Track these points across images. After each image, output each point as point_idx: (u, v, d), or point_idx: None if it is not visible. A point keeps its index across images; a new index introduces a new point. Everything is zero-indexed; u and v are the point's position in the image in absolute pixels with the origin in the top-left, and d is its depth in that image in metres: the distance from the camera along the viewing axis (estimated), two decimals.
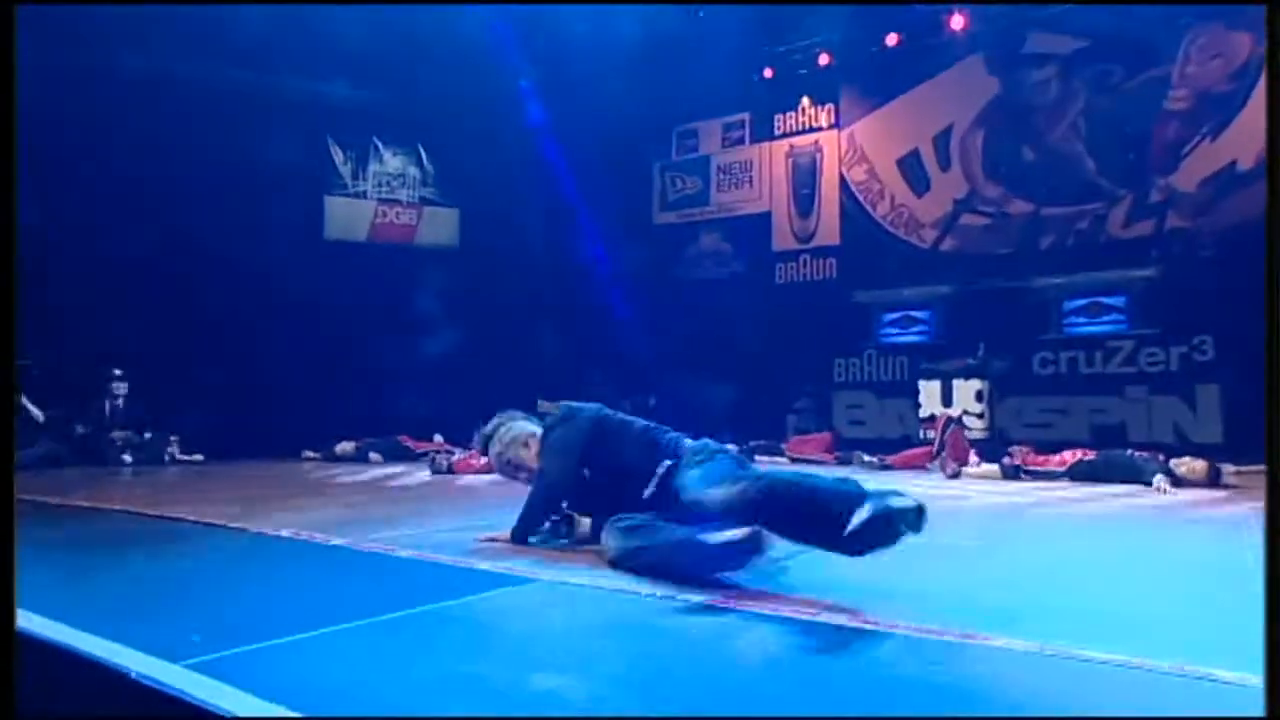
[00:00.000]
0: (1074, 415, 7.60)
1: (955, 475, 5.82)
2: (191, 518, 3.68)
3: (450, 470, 6.67)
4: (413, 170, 10.88)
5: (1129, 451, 5.40)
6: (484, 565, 2.74)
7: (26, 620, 1.82)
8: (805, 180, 10.56)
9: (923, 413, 6.77)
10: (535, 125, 10.93)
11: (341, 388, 9.23)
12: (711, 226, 11.21)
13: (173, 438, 7.19)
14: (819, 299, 10.05)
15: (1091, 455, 5.42)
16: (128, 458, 6.85)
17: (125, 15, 7.43)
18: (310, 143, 10.05)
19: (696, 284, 11.16)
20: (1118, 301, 7.70)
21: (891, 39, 9.66)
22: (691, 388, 10.21)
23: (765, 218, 10.76)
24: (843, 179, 10.27)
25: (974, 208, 9.46)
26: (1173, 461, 5.03)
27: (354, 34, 9.30)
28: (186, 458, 7.21)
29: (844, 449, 7.33)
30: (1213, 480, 4.88)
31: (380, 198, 10.69)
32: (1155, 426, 7.29)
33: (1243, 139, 8.11)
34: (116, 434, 7.02)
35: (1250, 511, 4.00)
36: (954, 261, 9.37)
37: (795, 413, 9.12)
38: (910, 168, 9.86)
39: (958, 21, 9.33)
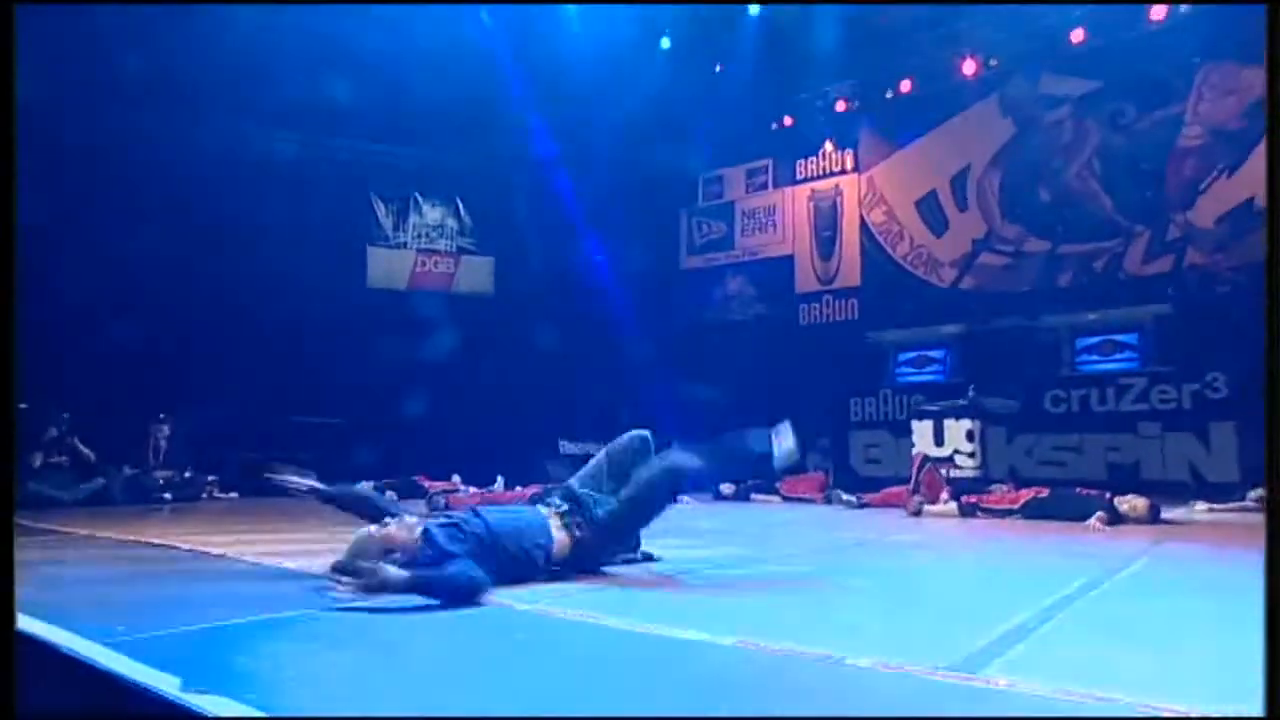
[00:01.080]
0: (1088, 453, 7.65)
1: (917, 514, 5.99)
2: (176, 544, 4.22)
3: (447, 507, 7.00)
4: (451, 222, 11.59)
5: (1077, 489, 5.60)
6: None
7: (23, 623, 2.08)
8: (827, 223, 10.89)
9: (915, 452, 6.83)
10: (566, 177, 11.54)
11: (380, 430, 9.81)
12: (737, 270, 11.60)
13: (210, 478, 7.84)
14: (841, 339, 10.28)
15: (1044, 494, 5.61)
16: (168, 495, 7.38)
17: (174, 75, 8.27)
18: (354, 197, 10.83)
19: (723, 327, 11.52)
20: (1130, 339, 7.77)
21: (905, 85, 10.00)
22: (714, 429, 10.46)
23: (788, 260, 11.14)
24: (863, 221, 10.59)
25: (992, 247, 9.65)
26: (1116, 499, 5.20)
27: (397, 95, 10.12)
28: (223, 495, 7.82)
29: (838, 488, 7.50)
30: (1153, 518, 5.03)
31: (420, 248, 11.41)
32: (1170, 464, 7.30)
33: (1259, 175, 8.15)
34: (159, 474, 7.69)
35: (1129, 543, 4.27)
36: (972, 300, 9.53)
37: (816, 452, 9.29)
38: (929, 209, 10.12)
39: (969, 67, 9.64)
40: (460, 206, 11.64)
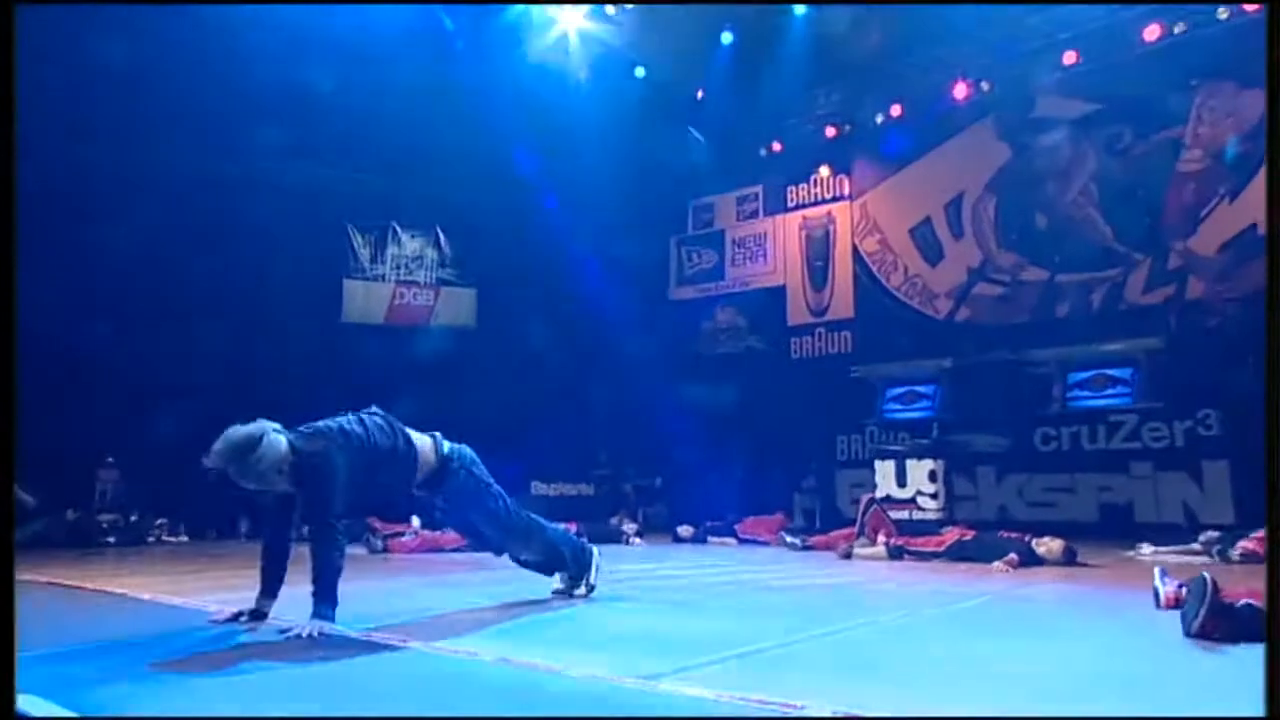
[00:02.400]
0: (1080, 494, 7.74)
1: (846, 556, 6.24)
2: (78, 584, 4.68)
3: (385, 550, 7.26)
4: (431, 252, 11.91)
5: (999, 533, 5.85)
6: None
7: None
8: (819, 252, 11.08)
9: (879, 493, 6.96)
10: (552, 204, 11.86)
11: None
12: (727, 301, 11.78)
13: (160, 521, 8.07)
14: (832, 374, 10.41)
15: (968, 536, 5.85)
16: (111, 539, 7.57)
17: (140, 102, 8.65)
18: (330, 228, 11.18)
19: (713, 360, 11.67)
20: (1124, 373, 7.88)
21: (896, 109, 10.23)
22: (700, 468, 10.67)
23: (780, 291, 11.30)
24: (856, 250, 10.75)
25: (988, 276, 9.79)
26: (1034, 541, 5.45)
27: (374, 121, 10.52)
28: (172, 539, 8.07)
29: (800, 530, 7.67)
30: (1068, 559, 5.29)
31: (399, 280, 11.73)
32: (1163, 505, 7.37)
33: (1261, 200, 8.28)
34: (104, 517, 7.89)
35: (998, 583, 4.75)
36: (968, 332, 9.64)
37: (801, 492, 9.42)
38: (923, 237, 10.28)
39: (961, 90, 9.86)
40: (441, 236, 11.97)
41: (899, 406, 8.91)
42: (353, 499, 3.53)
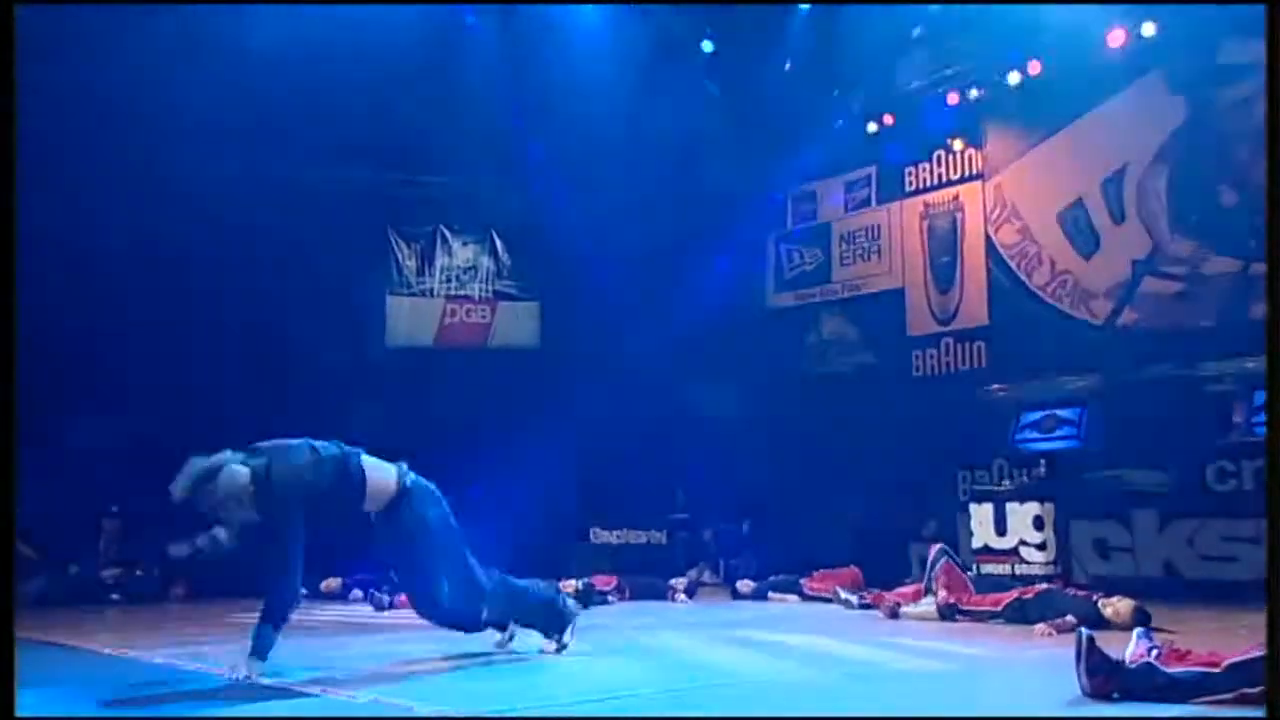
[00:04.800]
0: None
1: (893, 615, 6.34)
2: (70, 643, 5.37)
3: (391, 606, 7.25)
4: (486, 261, 11.81)
5: (1068, 590, 5.82)
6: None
7: None
8: (944, 246, 10.38)
9: (975, 543, 6.84)
10: (625, 203, 11.55)
11: None
12: (835, 308, 11.21)
13: (176, 579, 8.20)
14: (964, 395, 9.72)
15: (1029, 594, 5.82)
16: (116, 596, 7.90)
17: (150, 104, 8.85)
18: (369, 237, 11.21)
19: (817, 380, 11.13)
20: None
21: (1034, 66, 9.45)
22: (798, 511, 10.15)
23: (897, 295, 10.66)
24: (989, 242, 10.01)
25: (1159, 270, 8.91)
26: (1101, 601, 5.42)
27: (417, 114, 10.50)
28: (181, 594, 8.19)
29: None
30: (1139, 623, 5.02)
31: (449, 294, 11.68)
32: None
33: None
34: (108, 572, 8.12)
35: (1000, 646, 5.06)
36: (1131, 341, 8.79)
37: (921, 540, 8.77)
38: (1074, 223, 9.48)
39: (1117, 37, 8.97)
40: (497, 243, 11.86)
41: (1035, 435, 8.21)
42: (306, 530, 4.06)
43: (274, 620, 3.94)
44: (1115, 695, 3.20)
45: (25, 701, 3.09)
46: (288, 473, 3.97)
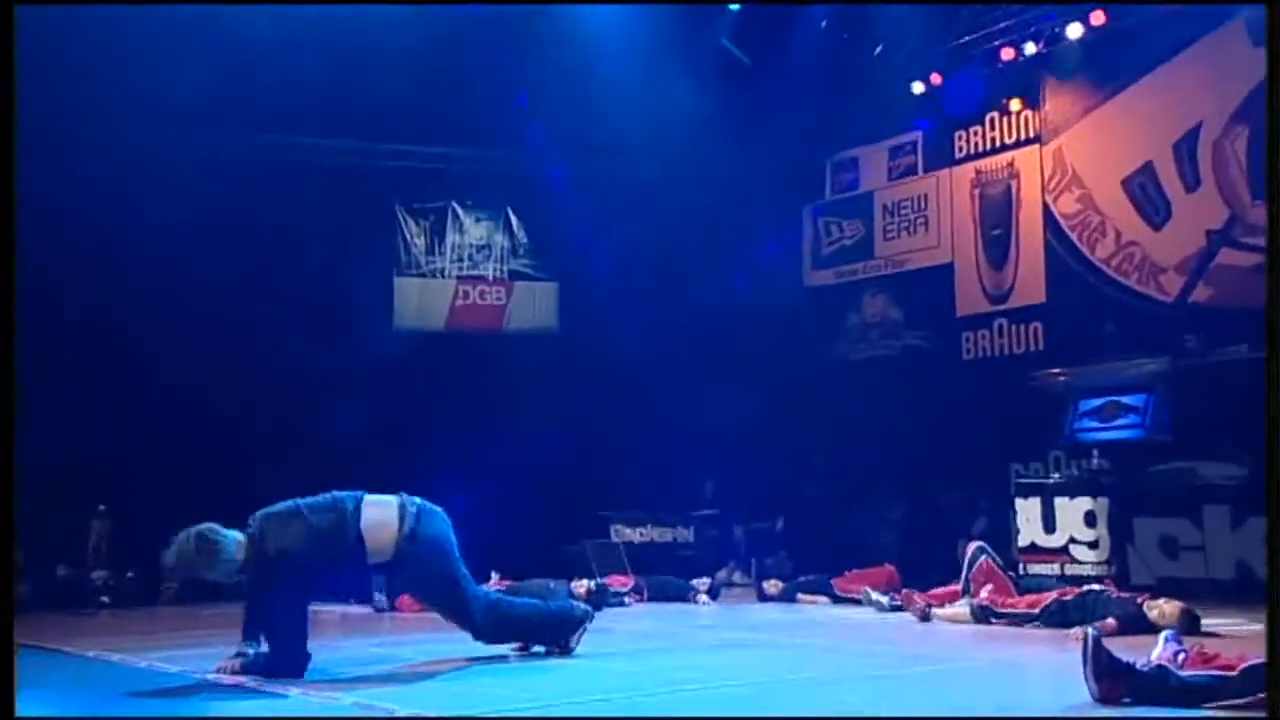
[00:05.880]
0: None
1: (924, 618, 6.40)
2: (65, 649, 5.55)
3: (392, 608, 7.26)
4: (500, 239, 11.69)
5: (1111, 592, 5.77)
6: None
7: None
8: (998, 217, 10.20)
9: (1021, 540, 6.79)
10: (649, 174, 11.37)
11: None
12: (877, 286, 11.05)
13: (167, 583, 8.21)
14: (1016, 380, 9.47)
15: (1069, 595, 5.82)
16: (105, 599, 7.87)
17: (146, 81, 8.80)
18: (375, 213, 11.12)
19: (859, 364, 11.00)
20: None
21: (1097, 16, 9.15)
22: (836, 507, 9.98)
23: (946, 271, 10.49)
24: (1048, 211, 9.82)
25: (1236, 240, 8.67)
26: (1147, 604, 5.43)
27: (423, 82, 10.37)
28: (172, 594, 8.19)
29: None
30: (1188, 627, 5.19)
31: (461, 274, 11.57)
32: None
33: None
34: (96, 574, 8.14)
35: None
36: (1205, 319, 8.51)
37: (970, 538, 8.58)
38: (1142, 190, 9.26)
39: None
40: (512, 219, 11.74)
41: (1095, 424, 7.97)
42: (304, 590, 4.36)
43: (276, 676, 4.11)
44: (1126, 700, 3.17)
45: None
46: (280, 549, 4.15)
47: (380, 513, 4.36)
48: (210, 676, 4.18)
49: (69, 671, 4.81)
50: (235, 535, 4.14)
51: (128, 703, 3.85)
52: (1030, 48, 9.71)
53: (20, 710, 3.40)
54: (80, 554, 8.42)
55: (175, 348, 9.23)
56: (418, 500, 4.51)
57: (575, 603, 5.68)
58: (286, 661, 4.14)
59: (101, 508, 8.58)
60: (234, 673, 4.22)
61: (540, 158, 11.35)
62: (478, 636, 4.68)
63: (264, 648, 4.32)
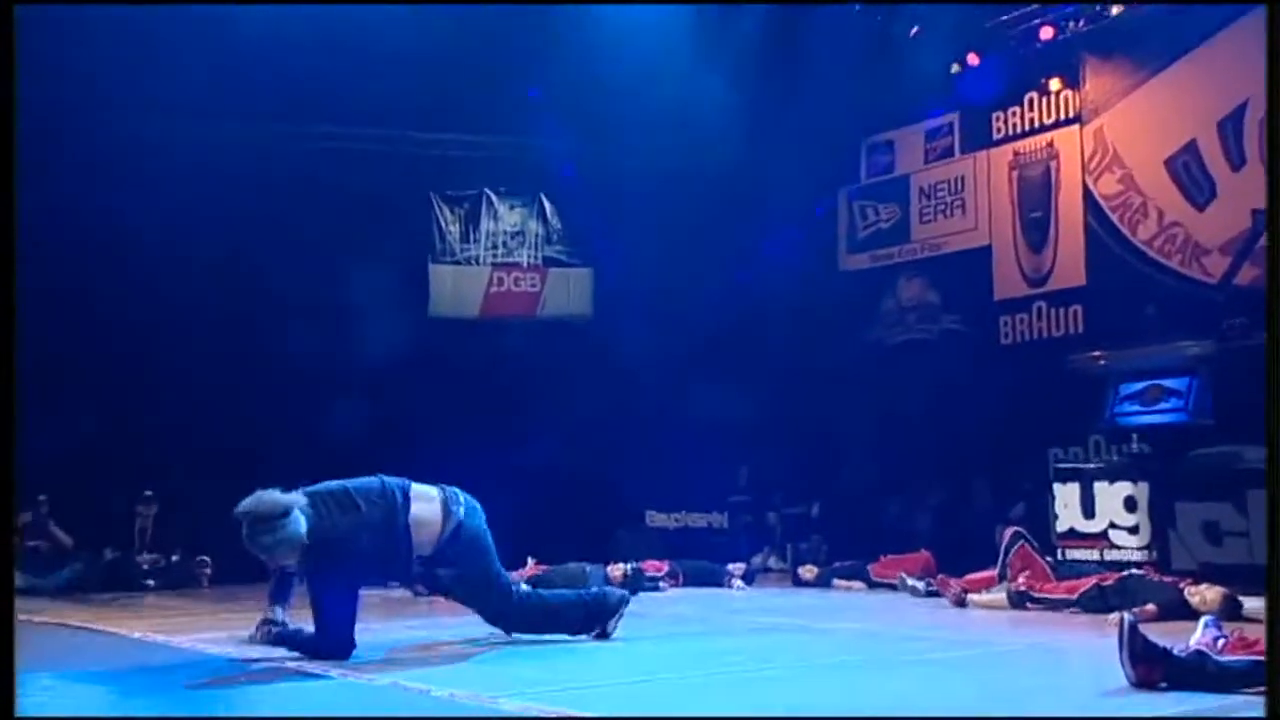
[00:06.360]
0: None
1: (960, 604, 6.43)
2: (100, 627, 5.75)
3: (431, 593, 7.18)
4: (534, 225, 11.71)
5: (1151, 577, 5.77)
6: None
7: None
8: (1037, 198, 10.03)
9: (1060, 526, 6.74)
10: (680, 159, 11.30)
11: None
12: (913, 270, 10.92)
13: (203, 558, 8.36)
14: (1056, 364, 9.34)
15: (1110, 580, 5.82)
16: (151, 582, 8.06)
17: (176, 69, 8.90)
18: (410, 201, 11.17)
19: (895, 349, 10.89)
20: None
21: None
22: (872, 491, 9.92)
23: (984, 254, 10.34)
24: (1088, 192, 9.64)
25: None
26: (1189, 589, 5.44)
27: (456, 71, 10.39)
28: (209, 576, 8.35)
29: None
30: (1230, 613, 5.16)
31: (496, 261, 11.60)
32: None
33: None
34: (143, 558, 8.36)
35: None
36: (1250, 301, 8.30)
37: (1009, 523, 8.51)
38: (1185, 170, 9.06)
39: None
40: (546, 205, 11.76)
41: (1137, 408, 7.81)
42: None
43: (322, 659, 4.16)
44: (1162, 685, 3.16)
45: (57, 687, 3.71)
46: (334, 539, 4.18)
47: (426, 508, 4.41)
48: (244, 645, 4.44)
49: (119, 652, 4.93)
50: (303, 522, 4.10)
51: (174, 682, 3.95)
52: (1071, 26, 9.55)
53: (75, 691, 3.71)
54: (128, 538, 8.60)
55: (218, 335, 9.39)
56: (461, 496, 4.56)
57: (610, 589, 5.73)
58: (334, 646, 4.18)
59: (148, 493, 8.78)
60: (264, 642, 4.35)
61: (574, 145, 11.34)
62: (510, 630, 4.79)
63: (285, 617, 4.47)
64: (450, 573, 4.57)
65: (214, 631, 5.30)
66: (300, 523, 4.05)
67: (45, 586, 7.77)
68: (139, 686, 3.93)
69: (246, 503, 4.03)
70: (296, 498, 4.09)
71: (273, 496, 4.04)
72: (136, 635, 5.41)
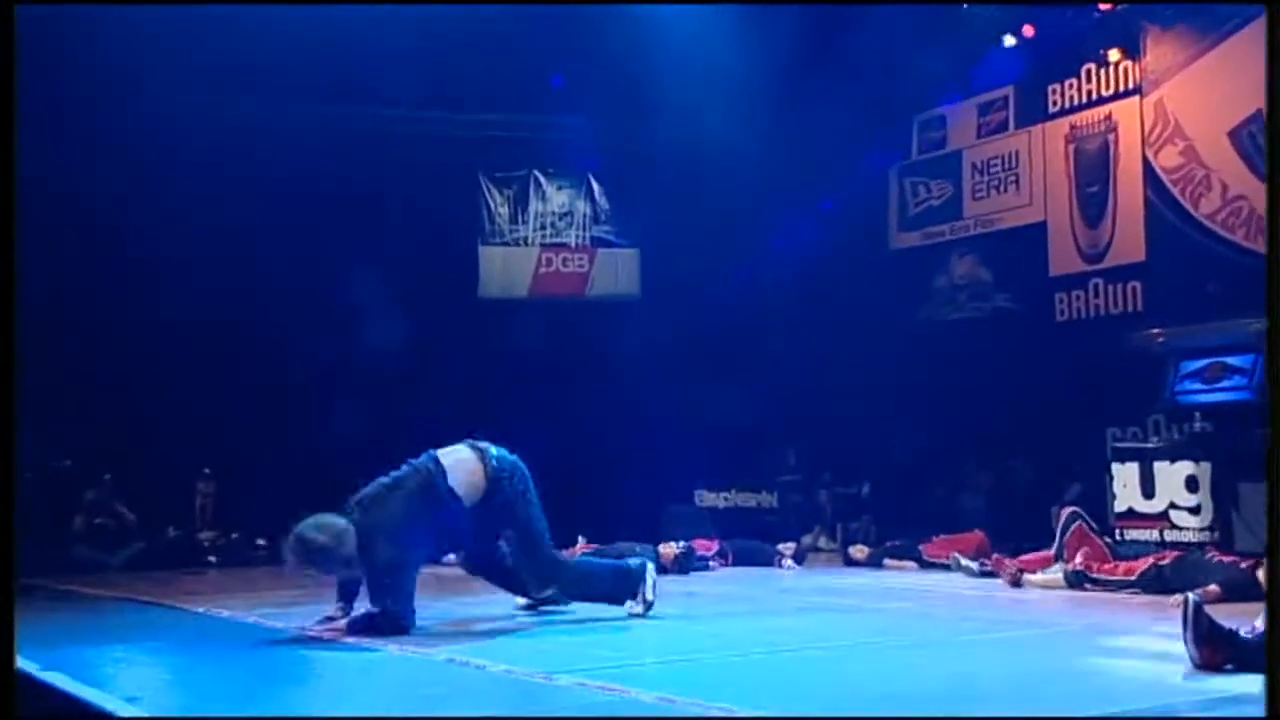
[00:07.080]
0: None
1: (1016, 584, 6.37)
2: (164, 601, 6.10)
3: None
4: (582, 205, 11.72)
5: (1214, 557, 5.69)
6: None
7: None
8: (1094, 173, 9.80)
9: (1118, 506, 6.64)
10: (728, 137, 11.21)
11: None
12: (966, 247, 10.75)
13: (260, 541, 8.52)
14: (1114, 342, 9.16)
15: (1166, 560, 5.81)
16: (212, 559, 8.31)
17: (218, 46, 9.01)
18: (459, 182, 11.23)
19: (947, 327, 10.74)
20: None
21: None
22: (924, 471, 9.83)
23: (1039, 230, 10.17)
24: (1148, 166, 9.40)
25: None
26: (1256, 567, 5.30)
27: (505, 51, 10.41)
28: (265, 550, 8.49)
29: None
30: None
31: (544, 242, 11.64)
32: None
33: None
34: (203, 535, 8.59)
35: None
36: None
37: (1064, 504, 8.38)
38: (1250, 141, 8.74)
39: None
40: (594, 186, 11.75)
41: (1199, 386, 7.60)
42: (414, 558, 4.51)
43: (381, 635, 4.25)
44: (1228, 667, 3.13)
45: (123, 655, 3.97)
46: (381, 520, 4.30)
47: (458, 456, 4.59)
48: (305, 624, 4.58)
49: (184, 625, 5.22)
50: (351, 532, 4.23)
51: (239, 654, 4.19)
52: None
53: (142, 663, 3.94)
54: (189, 516, 8.80)
55: (271, 317, 9.50)
56: (483, 441, 4.72)
57: (629, 559, 5.64)
58: (393, 622, 4.28)
59: (206, 471, 8.94)
60: (327, 634, 4.43)
61: (622, 125, 11.30)
62: (559, 590, 4.93)
63: (353, 607, 4.53)
64: (500, 512, 4.64)
65: (274, 607, 5.48)
66: (348, 536, 4.21)
67: (112, 562, 7.99)
68: (206, 658, 4.12)
69: (307, 533, 4.20)
70: (334, 519, 4.26)
71: (311, 533, 4.20)
72: (200, 610, 5.63)
